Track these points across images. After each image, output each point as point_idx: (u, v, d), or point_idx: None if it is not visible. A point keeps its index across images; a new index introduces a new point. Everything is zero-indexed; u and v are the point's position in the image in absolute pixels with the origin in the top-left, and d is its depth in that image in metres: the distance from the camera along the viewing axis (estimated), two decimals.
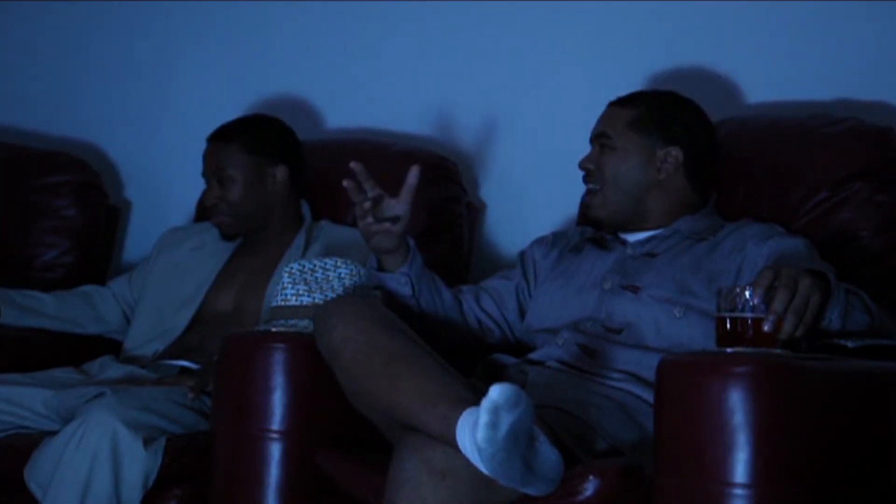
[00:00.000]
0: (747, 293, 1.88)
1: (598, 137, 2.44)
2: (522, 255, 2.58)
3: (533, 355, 2.35)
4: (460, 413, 1.90)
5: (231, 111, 3.07)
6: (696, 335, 2.20)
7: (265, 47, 3.34)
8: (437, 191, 2.94)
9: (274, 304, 2.41)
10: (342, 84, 3.26)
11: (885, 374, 1.93)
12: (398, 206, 2.32)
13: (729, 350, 1.86)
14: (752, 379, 1.77)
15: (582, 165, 2.46)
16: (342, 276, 2.39)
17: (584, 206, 2.49)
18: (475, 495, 1.92)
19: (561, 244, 2.54)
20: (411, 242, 2.38)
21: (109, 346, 2.93)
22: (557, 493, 1.92)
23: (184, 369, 2.69)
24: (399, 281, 2.37)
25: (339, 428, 2.25)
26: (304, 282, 2.38)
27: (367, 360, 2.04)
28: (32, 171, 3.24)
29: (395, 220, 2.31)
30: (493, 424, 1.81)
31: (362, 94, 3.23)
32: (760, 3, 2.81)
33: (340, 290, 2.36)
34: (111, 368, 2.74)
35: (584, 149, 2.47)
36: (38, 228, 3.19)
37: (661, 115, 2.43)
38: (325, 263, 2.40)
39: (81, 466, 2.31)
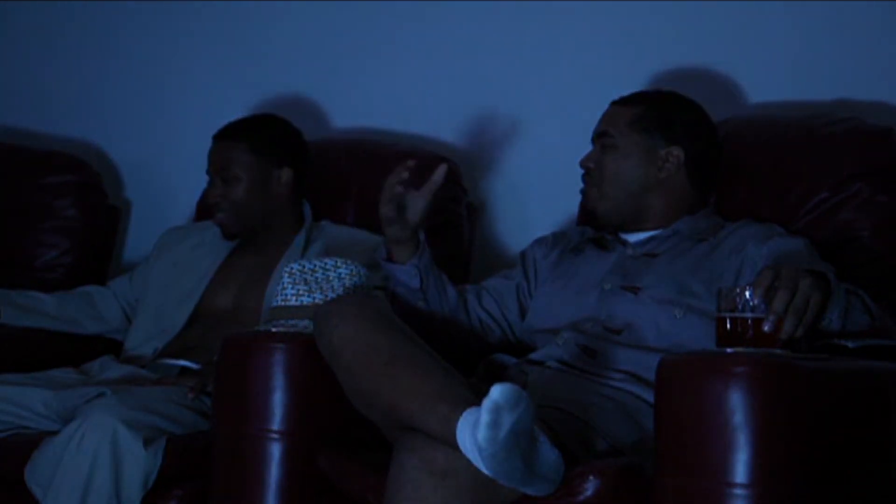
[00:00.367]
0: (747, 293, 1.89)
1: (600, 136, 2.45)
2: (523, 255, 2.58)
3: (533, 355, 2.35)
4: (460, 413, 1.90)
5: (231, 111, 3.07)
6: (696, 336, 2.20)
7: (266, 47, 3.34)
8: (438, 190, 2.93)
9: (274, 304, 2.41)
10: (342, 84, 3.25)
11: (885, 374, 1.93)
12: (419, 199, 2.32)
13: (729, 350, 1.86)
14: (752, 379, 1.77)
15: (582, 164, 2.46)
16: (342, 276, 2.39)
17: (583, 197, 2.49)
18: (475, 495, 1.92)
19: (561, 245, 2.54)
20: (422, 236, 2.39)
21: (109, 346, 2.92)
22: (558, 494, 1.92)
23: (184, 369, 2.69)
24: (409, 272, 2.37)
25: (339, 428, 2.25)
26: (304, 282, 2.38)
27: (367, 360, 2.04)
28: (32, 171, 3.23)
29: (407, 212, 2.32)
30: (495, 424, 1.80)
31: (363, 93, 3.23)
32: (760, 3, 2.81)
33: (340, 290, 2.36)
34: (111, 368, 2.74)
35: (585, 148, 2.47)
36: (38, 228, 3.19)
37: (662, 115, 2.43)
38: (325, 263, 2.40)
39: (82, 466, 2.31)
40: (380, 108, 3.20)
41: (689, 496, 1.81)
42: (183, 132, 3.39)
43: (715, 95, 2.77)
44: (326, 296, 2.35)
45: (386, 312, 2.14)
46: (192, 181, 3.18)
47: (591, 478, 1.92)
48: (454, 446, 1.90)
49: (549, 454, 1.90)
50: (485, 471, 1.85)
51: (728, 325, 1.89)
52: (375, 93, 3.21)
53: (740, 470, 1.76)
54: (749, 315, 1.88)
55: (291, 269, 2.41)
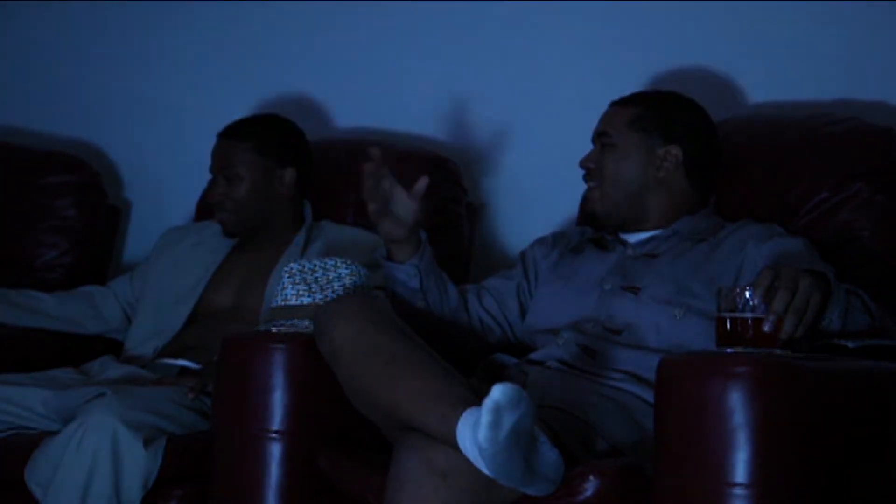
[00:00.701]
0: (747, 293, 1.89)
1: (599, 136, 2.45)
2: (523, 255, 2.58)
3: (533, 355, 2.35)
4: (460, 413, 1.90)
5: (231, 110, 3.07)
6: (696, 336, 2.20)
7: (266, 47, 3.34)
8: (438, 191, 2.94)
9: (274, 304, 2.41)
10: (343, 84, 3.25)
11: (885, 374, 1.93)
12: (409, 202, 2.32)
13: (729, 350, 1.86)
14: (752, 379, 1.77)
15: (582, 164, 2.46)
16: (342, 276, 2.39)
17: (584, 199, 2.50)
18: (475, 495, 1.92)
19: (561, 245, 2.54)
20: (423, 236, 2.39)
21: (109, 346, 2.92)
22: (558, 494, 1.92)
23: (184, 369, 2.69)
24: (408, 273, 2.37)
25: (339, 428, 2.25)
26: (304, 282, 2.38)
27: (367, 360, 2.04)
28: (32, 171, 3.23)
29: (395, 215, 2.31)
30: (495, 424, 1.80)
31: (363, 94, 3.23)
32: (760, 3, 2.81)
33: (340, 290, 2.36)
34: (111, 368, 2.74)
35: (585, 149, 2.48)
36: (38, 228, 3.19)
37: (661, 114, 2.43)
38: (325, 263, 2.40)
39: (82, 466, 2.31)
40: (380, 109, 3.20)
41: (689, 496, 1.81)
42: (183, 132, 3.39)
43: (715, 95, 2.77)
44: (326, 296, 2.35)
45: (386, 312, 2.14)
46: (192, 181, 3.18)
47: (591, 478, 1.92)
48: (454, 446, 1.90)
49: (549, 454, 1.90)
50: (485, 471, 1.85)
51: (728, 325, 1.89)
52: (376, 93, 3.21)
53: (740, 470, 1.76)
54: (749, 315, 1.88)
55: (291, 269, 2.41)
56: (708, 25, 2.86)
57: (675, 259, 2.34)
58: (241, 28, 3.37)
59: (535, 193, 3.01)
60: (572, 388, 2.22)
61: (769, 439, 1.77)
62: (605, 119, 2.47)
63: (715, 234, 2.37)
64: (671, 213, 2.42)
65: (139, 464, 2.33)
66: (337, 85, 3.26)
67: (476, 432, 1.83)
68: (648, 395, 2.13)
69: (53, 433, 2.40)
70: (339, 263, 2.40)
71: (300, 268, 2.41)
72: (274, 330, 2.32)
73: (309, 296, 2.36)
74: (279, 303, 2.39)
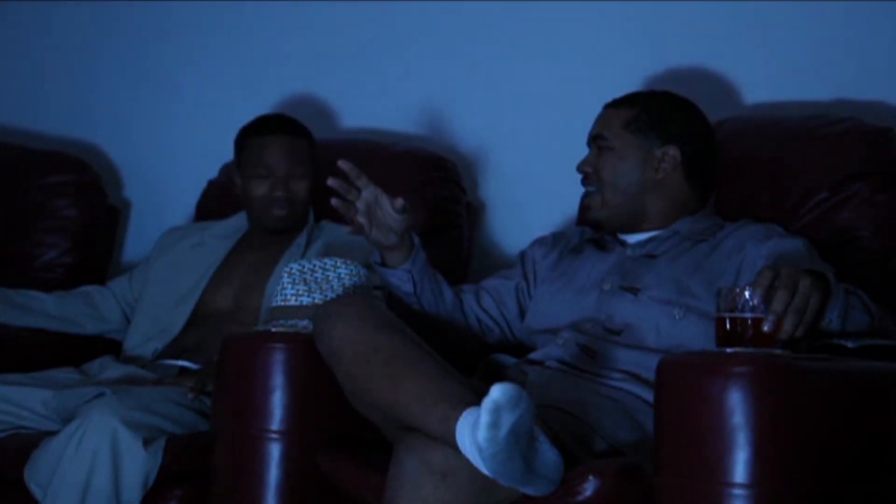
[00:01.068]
0: (747, 293, 1.88)
1: (595, 139, 2.44)
2: (522, 255, 2.58)
3: (533, 355, 2.35)
4: (460, 413, 1.90)
5: (230, 110, 3.07)
6: (695, 336, 2.20)
7: (266, 48, 3.35)
8: (437, 191, 2.94)
9: (273, 304, 2.41)
10: (343, 84, 3.26)
11: (885, 374, 1.93)
12: (393, 214, 2.30)
13: (729, 350, 1.86)
14: (752, 379, 1.77)
15: (580, 168, 2.45)
16: (342, 276, 2.39)
17: (583, 207, 2.49)
18: (475, 495, 1.92)
19: (561, 245, 2.54)
20: (416, 240, 2.38)
21: (109, 346, 2.93)
22: (557, 494, 1.92)
23: (183, 369, 2.69)
24: (401, 278, 2.37)
25: (339, 428, 2.25)
26: (304, 282, 2.38)
27: (367, 361, 2.04)
28: (32, 171, 3.23)
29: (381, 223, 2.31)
30: (495, 424, 1.80)
31: (362, 94, 3.23)
32: (760, 3, 2.81)
33: (340, 290, 2.36)
34: (111, 368, 2.74)
35: (584, 149, 2.47)
36: (38, 228, 3.19)
37: (657, 115, 2.43)
38: (325, 263, 2.40)
39: (81, 466, 2.31)
40: (379, 109, 3.20)
41: (689, 496, 1.81)
42: (183, 132, 3.39)
43: (715, 95, 2.77)
44: (326, 296, 2.35)
45: (385, 313, 2.14)
46: (192, 181, 3.19)
47: (590, 478, 1.91)
48: (454, 446, 1.90)
49: (548, 454, 1.90)
50: (484, 471, 1.85)
51: (728, 325, 1.89)
52: (376, 94, 3.21)
53: (740, 470, 1.76)
54: (749, 315, 1.88)
55: (291, 269, 2.41)
56: (707, 25, 2.86)
57: (674, 259, 2.34)
58: (242, 28, 3.38)
59: (535, 193, 3.01)
60: (572, 388, 2.22)
61: (769, 439, 1.76)
62: (601, 121, 2.46)
63: (714, 235, 2.37)
64: (670, 214, 2.42)
65: (139, 464, 2.33)
66: (337, 85, 3.26)
67: (475, 432, 1.83)
68: (648, 395, 2.13)
69: (53, 433, 2.40)
70: (338, 263, 2.40)
71: (300, 268, 2.41)
72: (274, 330, 2.32)
73: (308, 296, 2.36)
74: (279, 303, 2.39)
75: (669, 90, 2.51)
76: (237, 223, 2.96)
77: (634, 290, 2.31)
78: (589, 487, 1.91)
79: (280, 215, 2.83)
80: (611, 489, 1.92)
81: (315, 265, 2.40)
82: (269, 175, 2.82)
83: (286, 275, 2.41)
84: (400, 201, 2.28)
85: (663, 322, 2.25)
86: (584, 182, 2.46)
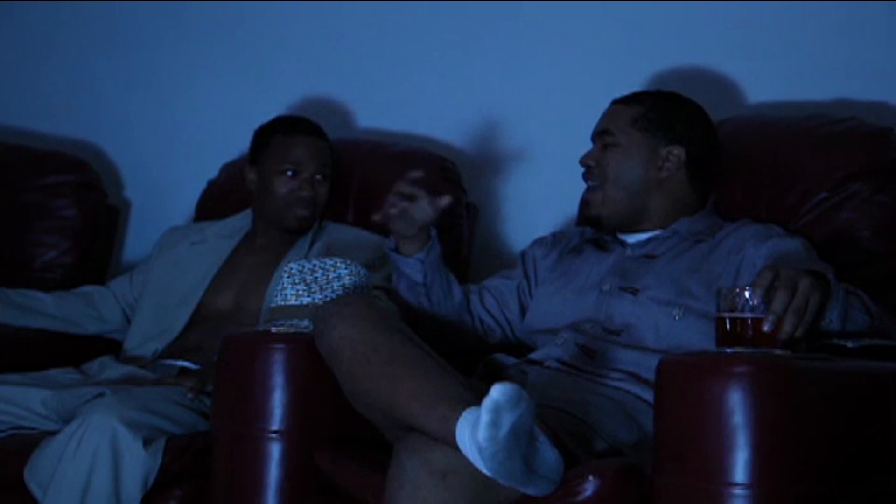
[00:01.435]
0: (747, 293, 1.88)
1: (601, 135, 2.44)
2: (523, 254, 2.58)
3: (533, 355, 2.35)
4: (460, 413, 1.90)
5: (230, 110, 3.08)
6: (695, 337, 2.20)
7: (266, 48, 3.35)
8: (438, 191, 2.93)
9: (273, 304, 2.41)
10: (343, 85, 3.26)
11: (885, 374, 1.93)
12: (427, 209, 2.34)
13: (729, 350, 1.86)
14: (752, 379, 1.77)
15: (583, 161, 2.45)
16: (342, 276, 2.39)
17: (584, 203, 2.49)
18: (475, 495, 1.92)
19: (561, 245, 2.54)
20: (433, 232, 2.39)
21: (109, 346, 2.93)
22: (557, 494, 1.92)
23: (183, 369, 2.69)
24: (413, 266, 2.38)
25: (339, 428, 2.25)
26: (304, 282, 2.38)
27: (367, 361, 2.04)
28: (32, 171, 3.24)
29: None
30: (495, 424, 1.80)
31: (363, 94, 3.23)
32: (761, 3, 2.81)
33: (340, 290, 2.36)
34: (111, 368, 2.74)
35: (584, 149, 2.47)
36: (37, 228, 3.19)
37: (664, 114, 2.43)
38: (325, 263, 2.40)
39: (81, 466, 2.31)
40: (379, 110, 3.20)
41: (688, 496, 1.81)
42: (183, 132, 3.39)
43: (715, 95, 2.77)
44: (326, 296, 2.35)
45: (386, 312, 2.14)
46: (192, 181, 3.19)
47: (590, 478, 1.91)
48: (454, 446, 1.90)
49: (548, 454, 1.90)
50: (484, 471, 1.85)
51: (728, 326, 1.89)
52: (375, 94, 3.21)
53: (740, 470, 1.76)
54: (749, 315, 1.88)
55: (291, 269, 2.41)
56: (708, 25, 2.86)
57: (674, 260, 2.34)
58: (242, 29, 3.38)
59: (535, 193, 3.01)
60: (572, 388, 2.22)
61: (769, 439, 1.76)
62: (608, 117, 2.46)
63: (714, 235, 2.37)
64: (671, 214, 2.42)
65: (139, 464, 2.32)
66: (337, 86, 3.26)
67: (475, 432, 1.83)
68: (648, 395, 2.13)
69: (53, 433, 2.40)
70: (338, 263, 2.40)
71: (300, 268, 2.41)
72: (274, 330, 2.32)
73: (309, 296, 2.36)
74: (279, 303, 2.39)
75: (676, 91, 2.51)
76: (239, 222, 2.96)
77: (634, 291, 2.31)
78: (589, 487, 1.91)
79: (303, 215, 2.83)
80: (611, 489, 1.92)
81: (315, 265, 2.40)
82: (297, 173, 2.83)
83: (286, 275, 2.41)
84: (446, 199, 2.33)
85: (663, 322, 2.25)
86: (586, 177, 2.46)
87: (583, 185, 2.48)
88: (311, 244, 2.83)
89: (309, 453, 2.23)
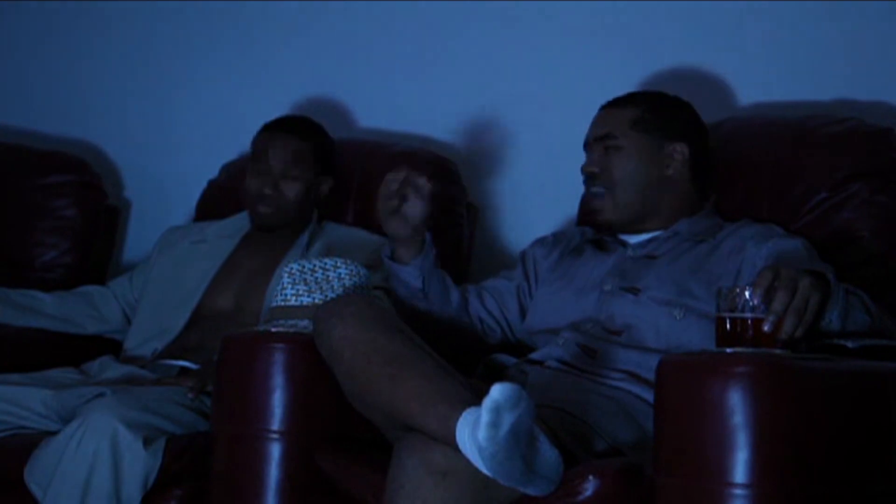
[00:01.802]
0: (747, 293, 1.88)
1: (602, 139, 2.43)
2: (523, 255, 2.58)
3: (533, 355, 2.35)
4: (460, 413, 1.90)
5: (230, 110, 3.07)
6: (695, 337, 2.20)
7: (265, 48, 3.34)
8: (437, 191, 2.93)
9: (273, 304, 2.41)
10: (343, 85, 3.26)
11: (885, 374, 1.93)
12: (417, 201, 2.34)
13: (729, 350, 1.86)
14: (752, 379, 1.77)
15: (586, 170, 2.44)
16: (342, 276, 2.39)
17: (593, 210, 2.48)
18: (475, 495, 1.92)
19: (561, 245, 2.54)
20: (428, 237, 2.39)
21: (109, 346, 2.92)
22: (557, 493, 1.92)
23: (183, 369, 2.69)
24: (411, 273, 2.38)
25: (339, 428, 2.25)
26: (304, 282, 2.38)
27: (367, 361, 2.04)
28: (32, 171, 3.23)
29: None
30: (495, 424, 1.80)
31: (363, 95, 3.23)
32: (759, 3, 2.81)
33: (340, 290, 2.36)
34: (111, 368, 2.74)
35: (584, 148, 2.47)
36: (37, 228, 3.19)
37: (661, 113, 2.43)
38: (325, 263, 2.40)
39: (81, 466, 2.31)
40: (379, 110, 3.20)
41: (689, 496, 1.81)
42: (183, 132, 3.39)
43: (714, 95, 2.77)
44: (326, 296, 2.35)
45: (386, 312, 2.14)
46: (192, 181, 3.19)
47: (590, 478, 1.91)
48: (453, 446, 1.90)
49: (548, 454, 1.90)
50: (484, 470, 1.85)
51: (728, 326, 1.89)
52: (375, 94, 3.21)
53: (740, 470, 1.76)
54: (749, 315, 1.88)
55: (291, 269, 2.41)
56: (707, 25, 2.86)
57: (674, 260, 2.34)
58: (243, 29, 3.38)
59: (535, 194, 3.01)
60: (572, 388, 2.22)
61: (769, 439, 1.76)
62: (605, 121, 2.45)
63: (714, 235, 2.37)
64: (673, 215, 2.42)
65: (139, 464, 2.32)
66: (337, 87, 3.26)
67: (475, 432, 1.83)
68: (648, 395, 2.13)
69: (53, 433, 2.40)
70: (338, 263, 2.40)
71: (300, 268, 2.41)
72: (274, 330, 2.32)
73: (309, 296, 2.36)
74: (279, 303, 2.39)
75: (662, 90, 2.51)
76: (239, 222, 2.96)
77: (635, 291, 2.31)
78: (589, 487, 1.91)
79: (265, 213, 2.83)
80: (611, 489, 1.92)
81: (315, 265, 2.40)
82: (266, 172, 2.83)
83: (286, 275, 2.41)
84: (423, 180, 2.34)
85: (663, 322, 2.25)
86: (590, 183, 2.45)
87: (582, 184, 2.48)
88: (311, 244, 2.83)
89: (309, 453, 2.23)
